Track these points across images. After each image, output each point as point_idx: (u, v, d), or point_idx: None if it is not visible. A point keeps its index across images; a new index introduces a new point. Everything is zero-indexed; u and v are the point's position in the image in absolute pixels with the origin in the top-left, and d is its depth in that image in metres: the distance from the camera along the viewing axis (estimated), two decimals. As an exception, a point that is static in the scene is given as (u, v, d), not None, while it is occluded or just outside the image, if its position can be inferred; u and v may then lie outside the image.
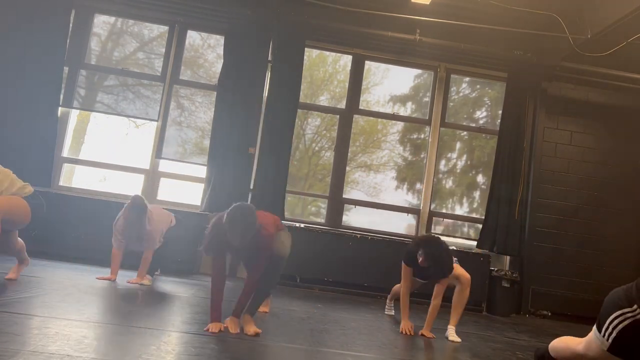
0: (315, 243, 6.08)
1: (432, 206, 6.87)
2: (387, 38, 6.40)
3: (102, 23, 6.80)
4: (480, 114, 7.37)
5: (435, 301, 4.12)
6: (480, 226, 6.72)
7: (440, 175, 7.08)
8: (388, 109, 7.07)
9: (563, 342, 2.46)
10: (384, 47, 6.73)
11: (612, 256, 6.60)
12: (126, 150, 6.66)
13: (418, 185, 7.02)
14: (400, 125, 7.13)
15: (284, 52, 6.52)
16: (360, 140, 7.12)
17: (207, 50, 6.93)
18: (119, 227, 4.76)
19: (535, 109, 6.87)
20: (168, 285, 4.83)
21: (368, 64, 7.00)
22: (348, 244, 6.16)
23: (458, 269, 4.15)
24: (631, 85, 6.56)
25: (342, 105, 6.92)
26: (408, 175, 7.11)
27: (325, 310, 4.57)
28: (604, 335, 2.17)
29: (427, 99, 7.12)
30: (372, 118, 7.09)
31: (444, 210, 6.99)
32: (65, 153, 6.52)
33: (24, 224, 3.58)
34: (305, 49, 6.65)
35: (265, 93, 6.57)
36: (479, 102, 7.43)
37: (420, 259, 3.96)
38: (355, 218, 6.79)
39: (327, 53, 7.13)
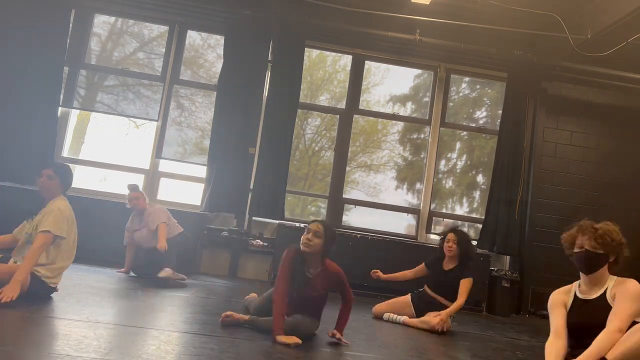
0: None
1: (432, 206, 6.87)
2: (387, 38, 6.40)
3: (102, 23, 6.80)
4: (480, 114, 7.37)
5: (461, 299, 4.29)
6: (480, 226, 6.72)
7: (440, 175, 7.08)
8: (388, 109, 7.07)
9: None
10: (384, 47, 6.73)
11: (612, 256, 6.59)
12: (126, 150, 6.66)
13: (418, 185, 7.02)
14: (400, 125, 7.13)
15: (284, 52, 6.52)
16: (360, 140, 7.12)
17: (207, 50, 6.93)
18: (128, 225, 5.23)
19: (535, 109, 6.87)
20: (168, 285, 4.82)
21: (368, 64, 7.00)
22: (348, 244, 6.16)
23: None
24: (631, 85, 6.55)
25: (342, 105, 6.92)
26: (408, 175, 7.10)
27: (325, 310, 4.55)
28: None
29: (427, 99, 7.12)
30: (372, 118, 7.09)
31: (444, 210, 6.99)
32: (65, 153, 6.52)
33: None
34: (305, 49, 6.65)
35: (265, 93, 6.57)
36: (479, 102, 7.43)
37: (449, 244, 4.42)
38: (355, 218, 6.79)
39: (327, 53, 7.13)
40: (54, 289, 3.48)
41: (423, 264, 4.67)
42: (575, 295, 2.83)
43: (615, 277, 2.75)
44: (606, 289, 2.68)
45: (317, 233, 3.17)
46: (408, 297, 4.63)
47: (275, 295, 3.09)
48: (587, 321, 2.63)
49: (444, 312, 4.20)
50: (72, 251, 3.52)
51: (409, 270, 4.73)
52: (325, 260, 3.28)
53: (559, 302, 2.87)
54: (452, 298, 4.35)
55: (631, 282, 2.63)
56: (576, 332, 2.64)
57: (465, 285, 4.32)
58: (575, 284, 2.91)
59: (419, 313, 4.46)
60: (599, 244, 2.68)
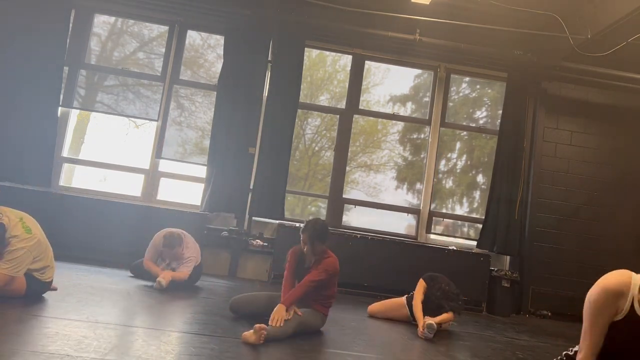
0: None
1: (432, 206, 6.87)
2: (387, 38, 6.40)
3: (102, 23, 6.80)
4: (480, 114, 7.37)
5: (438, 318, 4.19)
6: (480, 226, 6.72)
7: (440, 175, 7.08)
8: (388, 109, 7.07)
9: None
10: (384, 47, 6.73)
11: (612, 256, 6.60)
12: (126, 150, 6.66)
13: (418, 185, 7.02)
14: (400, 125, 7.12)
15: (284, 52, 6.52)
16: (360, 140, 7.12)
17: (207, 50, 6.93)
18: (151, 257, 4.89)
19: (535, 109, 6.87)
20: (168, 285, 4.82)
21: (368, 64, 7.00)
22: (348, 244, 6.16)
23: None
24: (631, 85, 6.55)
25: (342, 105, 6.92)
26: (408, 175, 7.10)
27: (330, 313, 4.56)
28: None
29: (427, 99, 7.12)
30: (372, 118, 7.09)
31: (444, 210, 6.99)
32: (65, 153, 6.52)
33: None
34: (305, 49, 6.65)
35: (265, 93, 6.57)
36: (479, 102, 7.43)
37: (437, 288, 4.41)
38: (355, 218, 6.79)
39: (327, 53, 7.13)
40: (49, 284, 3.49)
41: (422, 280, 4.53)
42: (632, 308, 1.92)
43: None
44: None
45: (304, 241, 3.57)
46: (403, 299, 4.65)
47: (284, 280, 3.60)
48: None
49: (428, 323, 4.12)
50: (44, 253, 3.43)
51: (418, 294, 4.48)
52: (325, 252, 3.62)
53: (607, 306, 1.96)
54: (437, 314, 4.32)
55: None
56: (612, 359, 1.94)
57: (445, 316, 4.26)
58: (635, 284, 1.92)
59: (413, 315, 4.46)
60: None
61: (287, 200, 6.48)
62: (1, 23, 6.14)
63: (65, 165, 6.51)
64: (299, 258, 3.67)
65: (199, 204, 6.36)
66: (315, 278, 3.46)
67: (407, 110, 7.18)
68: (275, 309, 3.25)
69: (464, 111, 7.28)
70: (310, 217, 3.83)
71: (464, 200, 7.14)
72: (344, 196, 6.75)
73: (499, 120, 6.87)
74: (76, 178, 6.64)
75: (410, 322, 4.53)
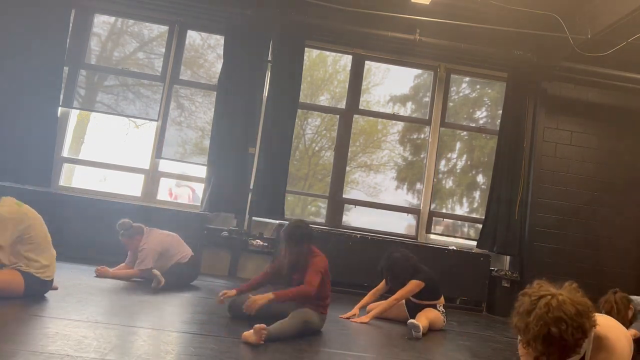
0: (315, 243, 6.05)
1: (432, 206, 6.87)
2: (387, 38, 6.40)
3: (102, 23, 6.80)
4: (480, 114, 7.37)
5: (397, 295, 4.39)
6: (480, 226, 6.72)
7: (440, 175, 7.07)
8: (388, 109, 7.07)
9: None
10: (384, 47, 6.73)
11: (612, 256, 6.60)
12: (126, 150, 6.66)
13: (418, 185, 7.02)
14: (400, 125, 7.13)
15: (284, 52, 6.52)
16: (360, 140, 7.12)
17: (207, 50, 6.93)
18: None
19: (535, 109, 6.87)
20: (168, 285, 4.82)
21: (368, 64, 7.00)
22: (348, 244, 6.16)
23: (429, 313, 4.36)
24: (631, 85, 6.55)
25: (342, 105, 6.92)
26: (408, 175, 7.10)
27: (330, 311, 4.55)
28: None
29: (427, 99, 7.12)
30: (372, 118, 7.09)
31: (444, 210, 6.99)
32: (65, 153, 6.52)
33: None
34: (305, 49, 6.65)
35: (265, 93, 6.57)
36: (479, 102, 7.43)
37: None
38: (355, 218, 6.79)
39: (327, 53, 7.13)
40: (50, 283, 3.48)
41: (383, 280, 4.67)
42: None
43: (594, 329, 2.02)
44: (584, 354, 2.06)
45: (282, 249, 3.67)
46: (402, 300, 4.66)
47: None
48: None
49: (384, 302, 4.44)
50: (43, 246, 3.44)
51: (375, 289, 4.68)
52: (311, 252, 3.64)
53: None
54: (430, 297, 4.45)
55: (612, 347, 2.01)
56: None
57: (410, 285, 4.37)
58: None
59: (412, 315, 4.50)
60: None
61: (287, 200, 6.48)
62: (1, 23, 6.14)
63: (65, 165, 6.51)
64: (277, 268, 3.72)
65: (199, 204, 6.36)
66: (312, 283, 3.40)
67: (407, 110, 7.18)
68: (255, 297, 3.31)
69: (464, 111, 7.28)
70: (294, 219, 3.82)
71: (464, 200, 7.14)
72: (344, 196, 6.75)
73: (499, 120, 6.87)
74: (76, 178, 6.64)
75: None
